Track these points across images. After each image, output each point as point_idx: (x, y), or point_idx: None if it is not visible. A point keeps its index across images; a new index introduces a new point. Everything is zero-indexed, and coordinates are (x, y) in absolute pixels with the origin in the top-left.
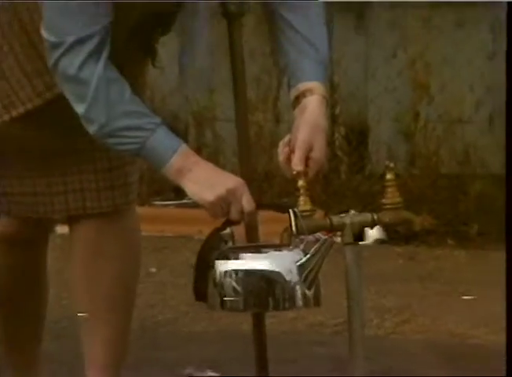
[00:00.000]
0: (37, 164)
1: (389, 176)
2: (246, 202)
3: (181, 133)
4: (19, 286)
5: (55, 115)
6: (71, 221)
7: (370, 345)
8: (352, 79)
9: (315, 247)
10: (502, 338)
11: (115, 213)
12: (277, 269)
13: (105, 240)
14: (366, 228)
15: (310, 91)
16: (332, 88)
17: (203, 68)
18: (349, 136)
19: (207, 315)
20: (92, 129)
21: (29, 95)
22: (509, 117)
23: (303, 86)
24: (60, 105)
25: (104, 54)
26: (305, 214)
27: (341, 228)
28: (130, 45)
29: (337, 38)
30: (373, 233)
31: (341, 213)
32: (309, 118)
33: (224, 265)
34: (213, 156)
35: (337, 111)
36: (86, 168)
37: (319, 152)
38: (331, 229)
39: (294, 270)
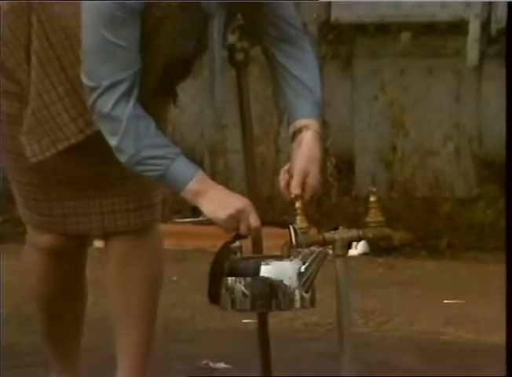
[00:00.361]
0: (77, 189)
1: (372, 198)
2: (253, 219)
3: (197, 163)
4: (63, 292)
5: (93, 147)
6: (106, 237)
7: (356, 341)
8: (340, 117)
9: (311, 257)
10: (468, 335)
11: (143, 230)
12: (279, 276)
13: (134, 253)
14: (353, 243)
15: (306, 127)
16: (324, 125)
17: (216, 108)
18: (339, 165)
19: (220, 315)
20: (123, 158)
21: (72, 132)
22: (509, 121)
23: (300, 123)
24: (97, 139)
25: (134, 95)
26: (302, 230)
27: (332, 242)
28: (155, 89)
29: (327, 82)
30: (359, 247)
31: (332, 230)
32: (305, 150)
33: (234, 273)
34: (225, 182)
35: (328, 144)
36: (118, 192)
37: (313, 179)
38: (324, 243)
39: (294, 277)
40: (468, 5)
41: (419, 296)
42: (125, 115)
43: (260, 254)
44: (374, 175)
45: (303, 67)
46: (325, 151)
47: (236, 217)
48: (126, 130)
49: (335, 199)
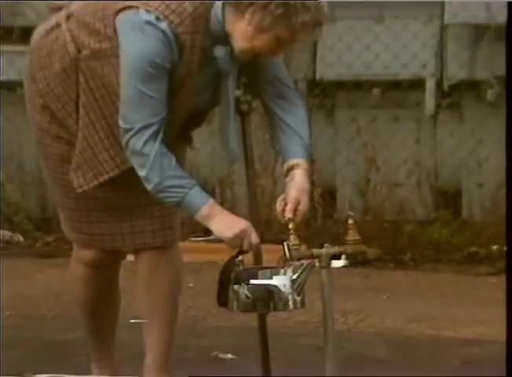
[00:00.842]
0: (113, 213)
1: (350, 221)
2: (254, 238)
3: (209, 192)
4: (101, 296)
5: (126, 180)
6: (136, 252)
7: (337, 336)
8: (325, 156)
9: (301, 268)
10: (428, 331)
11: (165, 246)
12: (276, 283)
13: (159, 265)
14: (335, 257)
15: (297, 165)
16: (311, 162)
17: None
18: (323, 194)
19: (227, 315)
20: (149, 186)
21: (111, 167)
22: (509, 124)
23: (292, 162)
24: (129, 174)
25: (160, 136)
26: (294, 246)
27: (318, 256)
28: (177, 133)
29: (314, 128)
30: (340, 260)
31: (318, 246)
32: (297, 184)
33: (239, 281)
34: (232, 208)
35: (314, 177)
36: (145, 216)
37: (303, 206)
38: (312, 257)
39: (287, 284)
40: (425, 65)
41: (388, 299)
42: (152, 152)
43: (260, 266)
44: (352, 202)
45: (295, 118)
46: (312, 184)
47: (240, 236)
48: (152, 164)
49: (321, 222)
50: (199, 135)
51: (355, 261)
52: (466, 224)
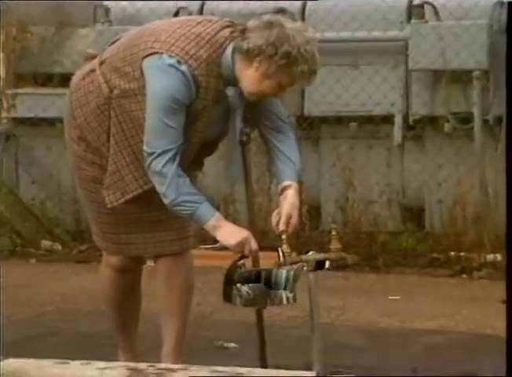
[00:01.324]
0: (137, 226)
1: (333, 232)
2: (253, 245)
3: (216, 208)
4: (126, 296)
5: (148, 198)
6: (156, 258)
7: (322, 329)
8: (311, 178)
9: (292, 270)
10: (397, 323)
11: (180, 253)
12: (272, 282)
13: (175, 269)
14: (320, 262)
15: (289, 186)
16: (301, 184)
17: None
18: (310, 210)
19: (230, 311)
20: (167, 201)
21: (135, 187)
22: (509, 124)
23: (285, 183)
24: (151, 193)
25: (177, 160)
26: (286, 253)
27: (306, 261)
28: (191, 158)
29: (304, 155)
30: (324, 265)
31: (306, 253)
32: (289, 201)
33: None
34: (234, 221)
35: (303, 196)
36: (164, 228)
37: (294, 220)
38: (301, 262)
39: (282, 283)
40: (393, 104)
41: (364, 298)
42: (170, 173)
43: (258, 268)
44: (334, 217)
45: (288, 147)
46: (301, 201)
47: (242, 243)
48: (170, 182)
49: (308, 233)
50: (207, 160)
51: (337, 265)
52: (428, 234)
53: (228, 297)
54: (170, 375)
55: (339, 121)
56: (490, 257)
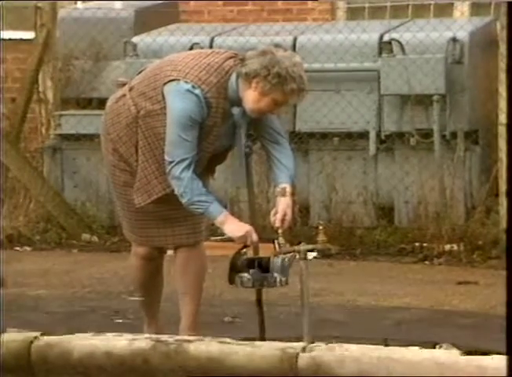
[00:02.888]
0: (160, 222)
1: (320, 227)
2: (254, 237)
3: (224, 206)
4: (150, 279)
5: (169, 199)
6: (175, 249)
7: (310, 306)
8: (302, 184)
9: (286, 258)
10: (372, 302)
11: (195, 245)
12: (268, 268)
13: (190, 257)
14: (309, 252)
15: (284, 189)
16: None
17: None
18: (301, 209)
19: (235, 291)
20: (183, 201)
21: (160, 190)
22: (509, 125)
23: (281, 185)
24: (172, 195)
25: (192, 167)
26: (282, 244)
27: (298, 251)
28: (204, 166)
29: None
30: (313, 254)
31: (298, 244)
32: (284, 201)
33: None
34: (238, 218)
35: (295, 197)
36: (182, 224)
37: (289, 217)
38: (294, 252)
39: (278, 268)
40: (369, 122)
41: (345, 281)
42: (186, 177)
43: (258, 256)
44: (320, 215)
45: (283, 156)
46: (294, 201)
47: (245, 236)
48: (186, 185)
49: (299, 228)
50: (217, 169)
51: (323, 254)
52: (397, 228)
53: (232, 280)
54: (186, 344)
55: (324, 136)
56: (447, 247)
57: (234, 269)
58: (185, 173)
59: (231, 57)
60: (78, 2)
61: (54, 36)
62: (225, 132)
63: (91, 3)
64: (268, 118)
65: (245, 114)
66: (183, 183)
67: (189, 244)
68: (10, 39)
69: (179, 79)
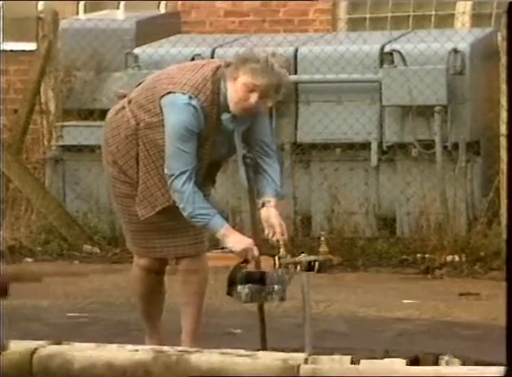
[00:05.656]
0: (162, 233)
1: (321, 238)
2: (254, 252)
3: (225, 219)
4: (152, 291)
5: (171, 210)
6: (177, 259)
7: (312, 317)
8: (303, 194)
9: (285, 274)
10: (374, 313)
11: (196, 255)
12: (267, 283)
13: (191, 268)
14: (311, 263)
15: (269, 201)
16: (294, 199)
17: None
18: (303, 220)
19: (237, 303)
20: (185, 214)
21: (163, 201)
22: (509, 126)
23: (266, 198)
24: (173, 206)
25: (193, 179)
26: (283, 256)
27: (300, 262)
28: (203, 175)
29: (296, 175)
30: (314, 265)
31: (300, 255)
32: (275, 215)
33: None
34: (240, 229)
35: (297, 208)
36: (183, 235)
37: (285, 228)
38: (295, 263)
39: (277, 283)
40: (370, 133)
41: (347, 292)
42: (187, 190)
43: (257, 270)
44: (322, 225)
45: (272, 170)
46: (295, 212)
47: (245, 251)
48: (187, 199)
49: (301, 239)
50: (219, 182)
51: (324, 265)
52: (398, 239)
53: (231, 293)
54: (188, 356)
55: (326, 147)
56: (449, 258)
57: (233, 283)
58: (186, 186)
59: (222, 66)
60: (80, 13)
61: (56, 47)
62: (222, 140)
63: (93, 14)
64: (260, 132)
65: (234, 119)
66: (184, 196)
67: (191, 255)
68: (12, 51)
69: (175, 92)
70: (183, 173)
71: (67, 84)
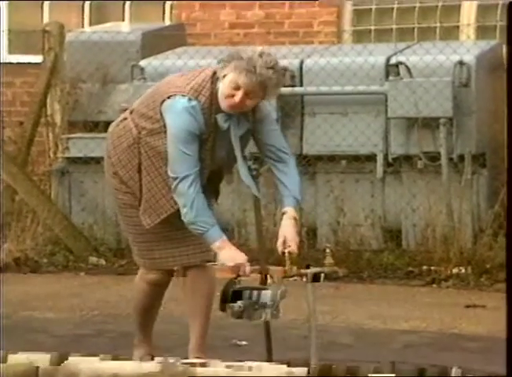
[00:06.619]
0: (166, 243)
1: (327, 250)
2: (247, 269)
3: (230, 231)
4: (154, 304)
5: (175, 218)
6: (184, 269)
7: (318, 329)
8: (309, 206)
9: (278, 292)
10: (380, 325)
11: (203, 265)
12: (259, 301)
13: (198, 278)
14: (317, 275)
15: (286, 213)
16: (300, 211)
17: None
18: (308, 232)
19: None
20: (185, 219)
21: (168, 208)
22: (509, 129)
23: (284, 209)
24: (177, 214)
25: (197, 183)
26: (288, 269)
27: (305, 274)
28: (203, 183)
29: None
30: (320, 277)
31: (305, 267)
32: (289, 228)
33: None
34: (245, 241)
35: (303, 220)
36: (189, 244)
37: (291, 238)
38: (301, 275)
39: (268, 302)
40: (376, 145)
41: (353, 303)
42: (193, 194)
43: (250, 286)
44: (328, 237)
45: (286, 177)
46: (301, 224)
47: (237, 266)
48: (191, 203)
49: (307, 251)
50: (223, 194)
51: (330, 277)
52: (404, 251)
53: (223, 309)
54: (194, 367)
55: (332, 159)
56: (455, 270)
57: (225, 298)
58: (192, 189)
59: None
60: (86, 26)
61: (62, 60)
62: (220, 141)
63: (98, 27)
64: (269, 137)
65: (230, 118)
66: (189, 200)
67: (197, 264)
68: (18, 63)
69: (175, 95)
70: (187, 176)
71: (73, 96)
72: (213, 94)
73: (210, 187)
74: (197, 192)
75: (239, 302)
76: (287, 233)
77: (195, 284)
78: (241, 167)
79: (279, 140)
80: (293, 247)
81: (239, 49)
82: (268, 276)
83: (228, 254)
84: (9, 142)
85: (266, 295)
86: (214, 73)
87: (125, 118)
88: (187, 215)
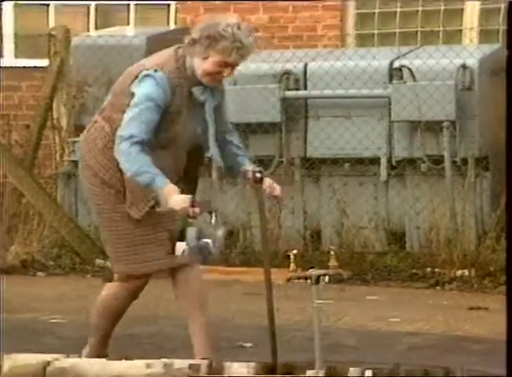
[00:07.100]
0: (152, 244)
1: (331, 252)
2: (196, 209)
3: (235, 234)
4: (125, 308)
5: (159, 220)
6: (172, 270)
7: (322, 331)
8: (312, 209)
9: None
10: (384, 327)
11: (190, 264)
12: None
13: (187, 276)
14: (321, 277)
15: (248, 171)
16: (304, 213)
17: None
18: (312, 234)
19: (249, 316)
20: (129, 174)
21: (154, 196)
22: (509, 128)
23: (247, 167)
24: (161, 215)
25: (143, 147)
26: (293, 270)
27: (310, 276)
28: (182, 166)
29: (304, 190)
30: (324, 278)
31: (309, 269)
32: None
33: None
34: (250, 244)
35: (306, 222)
36: (174, 243)
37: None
38: (305, 277)
39: (209, 237)
40: (379, 148)
41: (357, 305)
42: (135, 152)
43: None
44: (332, 240)
45: (239, 144)
46: (305, 227)
47: (187, 208)
48: (134, 158)
49: (311, 253)
50: (229, 199)
51: (334, 279)
52: (408, 254)
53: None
54: (199, 370)
55: (335, 162)
56: (459, 272)
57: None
58: (134, 148)
59: (186, 44)
60: (91, 30)
61: (68, 64)
62: (194, 115)
63: (104, 31)
64: (224, 107)
65: (207, 91)
66: (130, 157)
67: (183, 263)
68: (25, 67)
69: (141, 71)
70: (133, 137)
71: (78, 100)
72: (182, 67)
73: (189, 171)
74: (140, 151)
75: (184, 243)
76: (266, 181)
77: (185, 283)
78: (213, 146)
79: (227, 119)
80: (277, 190)
81: (209, 23)
82: (212, 213)
83: (177, 198)
84: (16, 145)
85: (206, 232)
86: (178, 47)
87: (95, 121)
88: (130, 169)
